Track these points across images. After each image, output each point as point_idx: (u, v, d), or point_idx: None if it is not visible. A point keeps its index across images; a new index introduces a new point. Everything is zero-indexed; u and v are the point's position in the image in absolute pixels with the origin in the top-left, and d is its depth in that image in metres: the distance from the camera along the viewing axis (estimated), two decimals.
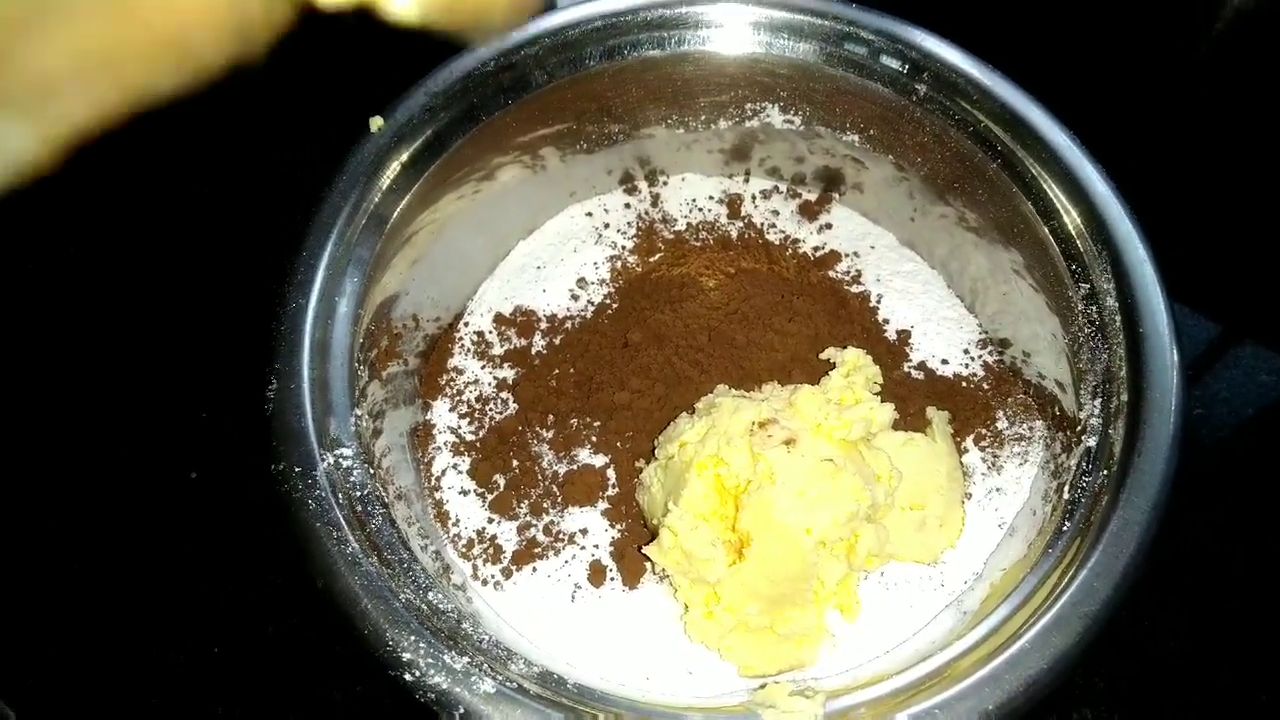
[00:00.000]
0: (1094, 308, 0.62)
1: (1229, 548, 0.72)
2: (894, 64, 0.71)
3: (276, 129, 0.94)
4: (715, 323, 0.72)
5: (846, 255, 0.79)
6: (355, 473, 0.59)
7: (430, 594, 0.56)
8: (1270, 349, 0.82)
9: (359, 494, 0.58)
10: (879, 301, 0.76)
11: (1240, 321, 0.82)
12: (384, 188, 0.67)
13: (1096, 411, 0.60)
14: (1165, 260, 0.62)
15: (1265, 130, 0.91)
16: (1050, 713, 0.66)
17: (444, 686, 0.52)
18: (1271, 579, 0.70)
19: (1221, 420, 0.77)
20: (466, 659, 0.53)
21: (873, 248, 0.80)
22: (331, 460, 0.58)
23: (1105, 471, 0.57)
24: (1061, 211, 0.66)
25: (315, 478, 0.57)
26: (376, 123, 0.68)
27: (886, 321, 0.75)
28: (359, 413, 0.62)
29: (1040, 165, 0.67)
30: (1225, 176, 0.89)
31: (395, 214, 0.67)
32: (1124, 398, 0.59)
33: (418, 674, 0.52)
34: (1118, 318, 0.61)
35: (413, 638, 0.53)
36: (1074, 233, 0.65)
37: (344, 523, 0.56)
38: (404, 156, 0.68)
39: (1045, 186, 0.67)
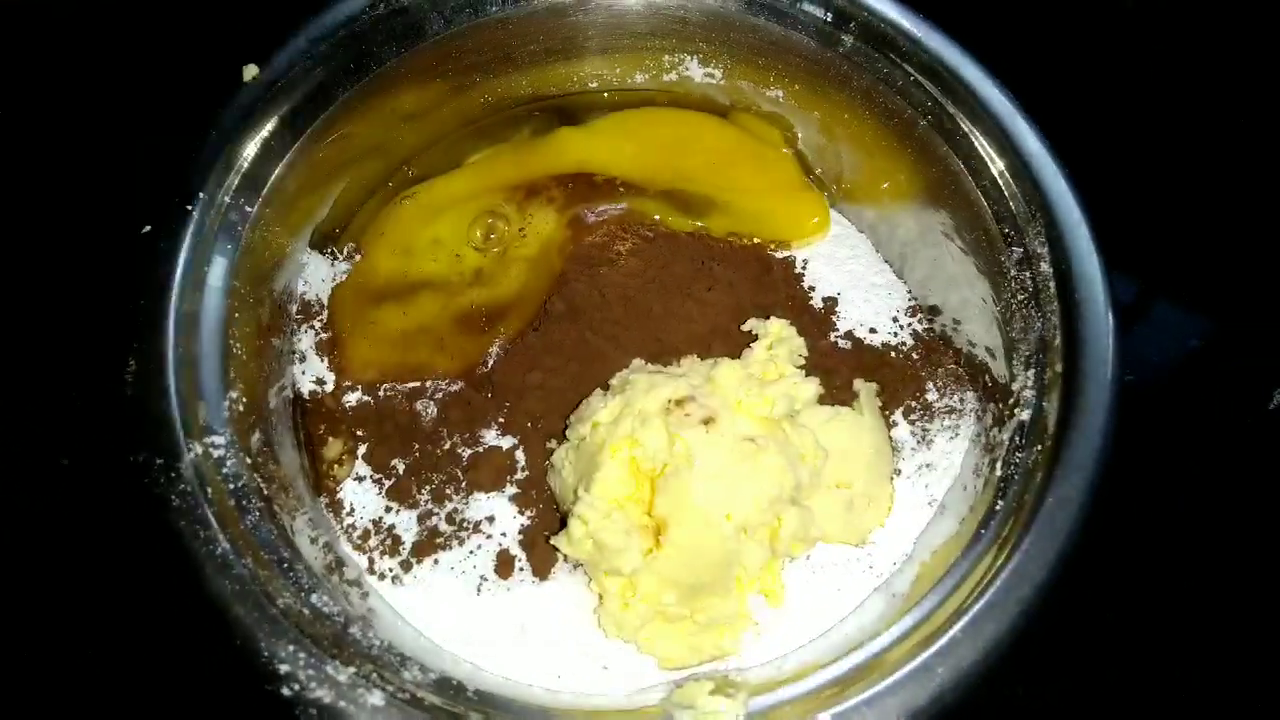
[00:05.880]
0: (1027, 273, 0.59)
1: (1163, 515, 0.70)
2: (818, 12, 0.66)
3: (136, 79, 0.84)
4: (632, 292, 0.67)
5: None
6: (229, 463, 0.53)
7: (314, 596, 0.51)
8: (1197, 312, 0.80)
9: (232, 487, 0.52)
10: (804, 267, 0.72)
11: (1166, 281, 0.80)
12: (259, 145, 0.60)
13: (1030, 383, 0.57)
14: (1096, 220, 0.59)
15: (1199, 87, 0.89)
16: (982, 689, 0.64)
17: (327, 701, 0.46)
18: (1207, 550, 0.68)
19: (1152, 387, 0.75)
20: (353, 669, 0.48)
21: None
22: (200, 450, 0.52)
23: (1039, 447, 0.54)
24: (993, 170, 0.62)
25: (180, 470, 0.51)
26: (251, 71, 0.61)
27: (812, 289, 0.71)
28: (234, 395, 0.56)
29: (972, 122, 0.63)
30: (1158, 135, 0.87)
31: (273, 175, 0.61)
32: (1058, 368, 0.56)
33: (297, 688, 0.47)
34: (1052, 284, 0.58)
35: (292, 647, 0.48)
36: (1006, 193, 0.62)
37: (213, 520, 0.50)
38: (282, 110, 0.61)
39: (976, 144, 0.63)
